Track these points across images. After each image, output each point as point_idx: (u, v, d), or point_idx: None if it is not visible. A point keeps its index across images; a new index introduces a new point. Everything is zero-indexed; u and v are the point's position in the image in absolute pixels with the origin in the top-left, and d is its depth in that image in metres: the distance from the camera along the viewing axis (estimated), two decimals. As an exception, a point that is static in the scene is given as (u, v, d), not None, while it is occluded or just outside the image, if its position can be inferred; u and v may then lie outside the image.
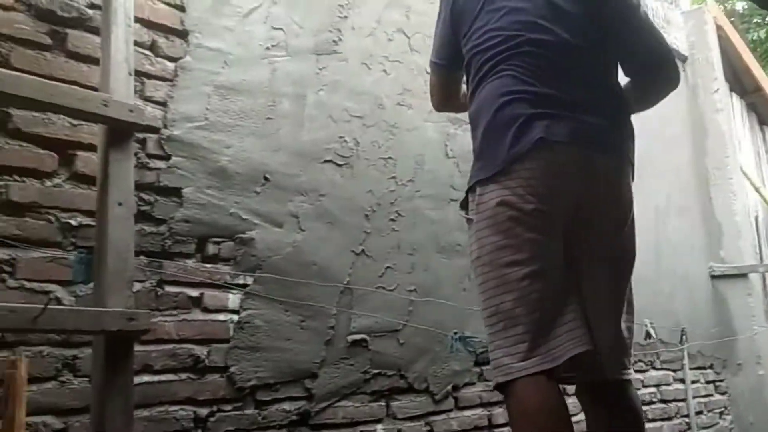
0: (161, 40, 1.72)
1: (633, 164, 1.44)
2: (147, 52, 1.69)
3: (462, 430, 2.20)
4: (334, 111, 2.08)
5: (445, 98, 1.71)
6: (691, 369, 3.37)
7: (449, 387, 2.20)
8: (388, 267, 2.13)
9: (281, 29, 1.98)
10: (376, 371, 2.01)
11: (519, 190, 1.31)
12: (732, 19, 4.95)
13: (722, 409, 3.60)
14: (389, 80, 2.27)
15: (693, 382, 3.38)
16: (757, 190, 4.38)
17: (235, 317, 1.73)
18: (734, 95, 4.57)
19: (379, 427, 1.98)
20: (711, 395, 3.55)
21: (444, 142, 2.42)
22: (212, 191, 1.75)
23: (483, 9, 1.45)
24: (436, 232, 2.30)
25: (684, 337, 3.32)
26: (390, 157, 2.22)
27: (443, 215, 2.33)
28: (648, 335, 3.08)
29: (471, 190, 1.41)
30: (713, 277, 3.75)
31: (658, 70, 1.49)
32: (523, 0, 1.42)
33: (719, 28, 4.14)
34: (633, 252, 1.47)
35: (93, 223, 1.48)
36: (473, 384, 2.28)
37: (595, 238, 1.41)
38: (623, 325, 1.43)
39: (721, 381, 3.66)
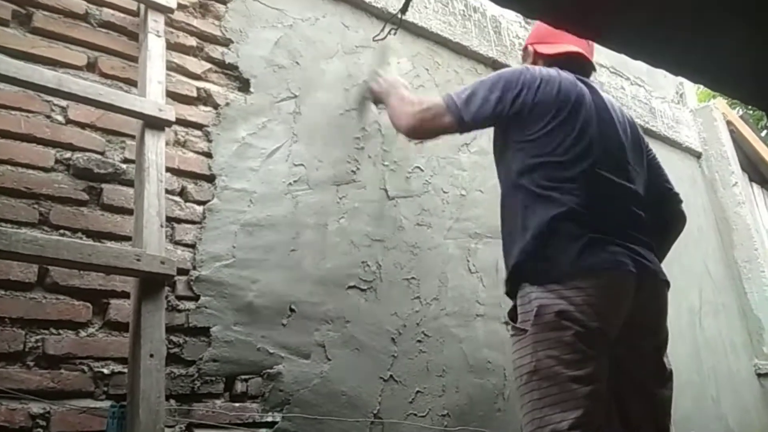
0: (190, 186, 1.82)
1: (669, 284, 1.58)
2: (177, 198, 1.78)
3: None
4: (355, 237, 2.14)
5: (428, 136, 1.91)
6: (750, 479, 3.15)
7: None
8: (418, 391, 2.09)
9: (302, 165, 2.08)
10: (412, 506, 1.92)
11: (581, 306, 1.36)
12: (741, 111, 5.05)
13: None
14: (407, 202, 2.34)
15: (755, 494, 3.14)
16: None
17: (265, 457, 1.70)
18: (755, 185, 4.58)
19: None
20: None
21: (466, 258, 2.44)
22: (239, 327, 1.77)
23: (562, 116, 1.57)
24: (464, 350, 2.27)
25: (737, 446, 3.13)
26: (413, 278, 2.24)
27: (471, 332, 2.31)
28: (697, 448, 2.91)
29: (518, 287, 1.49)
30: (760, 375, 3.58)
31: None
32: (599, 126, 1.60)
33: (729, 123, 4.23)
34: (671, 369, 1.53)
35: (125, 370, 1.50)
36: None
37: (638, 355, 1.48)
38: None
39: (786, 490, 3.40)
